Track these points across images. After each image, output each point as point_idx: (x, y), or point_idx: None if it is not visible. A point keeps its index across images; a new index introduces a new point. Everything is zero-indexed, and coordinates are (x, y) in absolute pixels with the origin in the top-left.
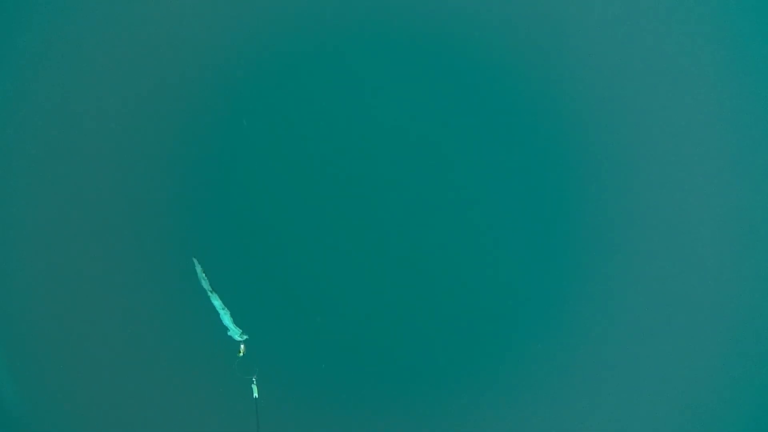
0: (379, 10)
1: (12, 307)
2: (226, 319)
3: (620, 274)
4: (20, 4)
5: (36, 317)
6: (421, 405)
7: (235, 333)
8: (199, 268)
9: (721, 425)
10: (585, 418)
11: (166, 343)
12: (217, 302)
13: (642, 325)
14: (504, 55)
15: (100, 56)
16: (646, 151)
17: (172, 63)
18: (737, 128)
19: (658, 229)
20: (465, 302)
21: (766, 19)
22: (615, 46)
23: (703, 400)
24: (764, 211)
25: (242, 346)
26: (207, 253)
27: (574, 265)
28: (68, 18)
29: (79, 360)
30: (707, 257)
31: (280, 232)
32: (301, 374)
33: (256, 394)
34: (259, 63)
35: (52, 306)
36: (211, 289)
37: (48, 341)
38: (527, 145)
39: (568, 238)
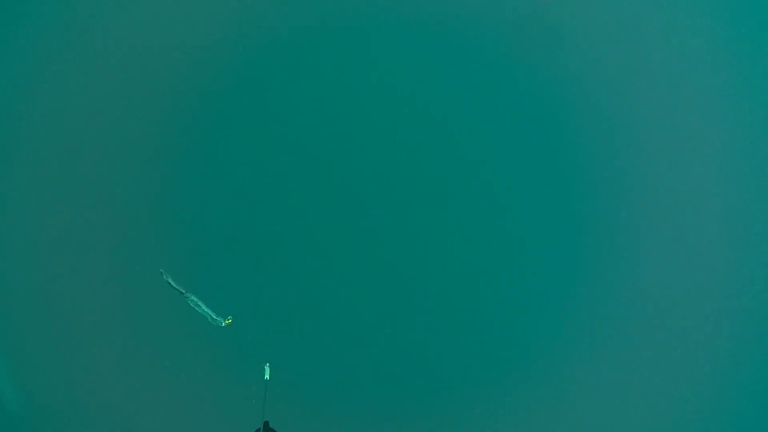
0: (379, 9)
1: (12, 307)
2: (207, 310)
3: (620, 275)
4: (20, 4)
5: (36, 317)
6: (420, 403)
7: (219, 320)
8: (168, 277)
9: (720, 425)
10: (586, 419)
11: (163, 339)
12: (192, 300)
13: (642, 326)
14: (505, 56)
15: (94, 57)
16: (649, 155)
17: (162, 60)
18: (738, 129)
19: (658, 231)
20: (464, 303)
21: (766, 19)
22: (618, 48)
23: (703, 399)
24: (764, 211)
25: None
26: (204, 252)
27: (573, 266)
28: (60, 18)
29: (78, 359)
30: (708, 259)
31: (279, 232)
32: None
33: (267, 376)
34: (257, 62)
35: (52, 306)
36: (183, 290)
37: (48, 341)
38: (528, 146)
39: (568, 239)
